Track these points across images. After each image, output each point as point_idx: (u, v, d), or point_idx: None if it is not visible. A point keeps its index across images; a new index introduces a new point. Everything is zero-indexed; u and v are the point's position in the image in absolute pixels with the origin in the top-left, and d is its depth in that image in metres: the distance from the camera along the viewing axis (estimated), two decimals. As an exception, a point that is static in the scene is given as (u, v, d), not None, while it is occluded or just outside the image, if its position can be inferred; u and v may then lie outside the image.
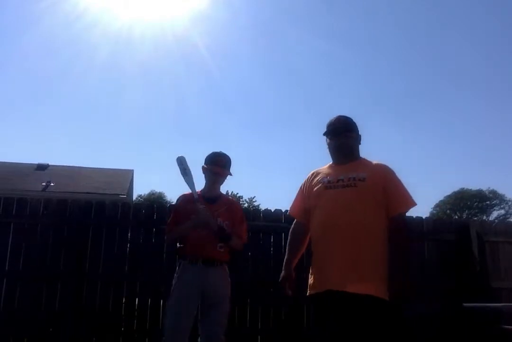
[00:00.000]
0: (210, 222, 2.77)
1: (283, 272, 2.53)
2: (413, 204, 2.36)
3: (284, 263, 2.55)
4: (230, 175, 3.01)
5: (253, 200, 36.84)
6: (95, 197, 12.64)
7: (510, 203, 43.95)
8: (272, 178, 52.79)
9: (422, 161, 58.61)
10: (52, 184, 15.07)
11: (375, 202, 2.29)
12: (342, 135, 2.44)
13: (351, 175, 2.34)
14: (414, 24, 57.44)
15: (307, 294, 2.38)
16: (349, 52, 54.08)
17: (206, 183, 3.02)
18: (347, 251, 2.22)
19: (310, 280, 2.39)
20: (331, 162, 2.54)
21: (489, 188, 43.81)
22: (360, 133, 2.53)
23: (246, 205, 35.61)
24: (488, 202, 44.30)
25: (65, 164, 17.91)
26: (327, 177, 2.42)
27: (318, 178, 2.47)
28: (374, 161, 2.46)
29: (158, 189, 40.53)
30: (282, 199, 7.62)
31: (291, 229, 2.63)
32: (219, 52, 49.50)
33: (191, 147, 50.38)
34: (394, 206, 2.31)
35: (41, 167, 17.20)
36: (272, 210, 5.20)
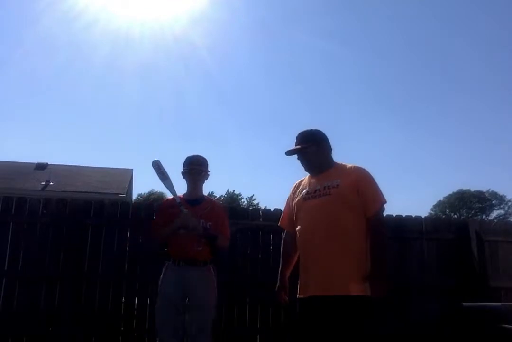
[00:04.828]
0: (196, 226, 2.88)
1: (278, 282, 2.70)
2: (383, 201, 2.49)
3: (279, 274, 2.72)
4: (208, 172, 3.11)
5: (253, 198, 36.95)
6: (94, 196, 12.67)
7: (509, 203, 43.99)
8: (272, 177, 52.79)
9: (422, 161, 58.64)
10: (51, 183, 15.08)
11: (350, 205, 2.43)
12: (299, 153, 2.61)
13: (326, 183, 2.50)
14: (414, 24, 57.43)
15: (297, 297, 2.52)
16: (349, 52, 54.14)
17: (188, 186, 3.11)
18: (326, 258, 2.37)
19: (298, 286, 2.53)
20: None
21: (489, 189, 43.77)
22: (325, 142, 2.63)
23: (245, 203, 35.67)
24: (487, 202, 44.28)
25: (64, 164, 17.93)
26: (306, 188, 2.59)
27: (299, 189, 2.65)
28: (349, 165, 2.59)
29: (158, 188, 40.47)
30: (282, 198, 7.56)
31: (283, 240, 2.80)
32: (219, 52, 49.59)
33: (190, 147, 50.40)
34: (368, 206, 2.45)
35: (40, 166, 17.21)
36: (272, 209, 5.18)
